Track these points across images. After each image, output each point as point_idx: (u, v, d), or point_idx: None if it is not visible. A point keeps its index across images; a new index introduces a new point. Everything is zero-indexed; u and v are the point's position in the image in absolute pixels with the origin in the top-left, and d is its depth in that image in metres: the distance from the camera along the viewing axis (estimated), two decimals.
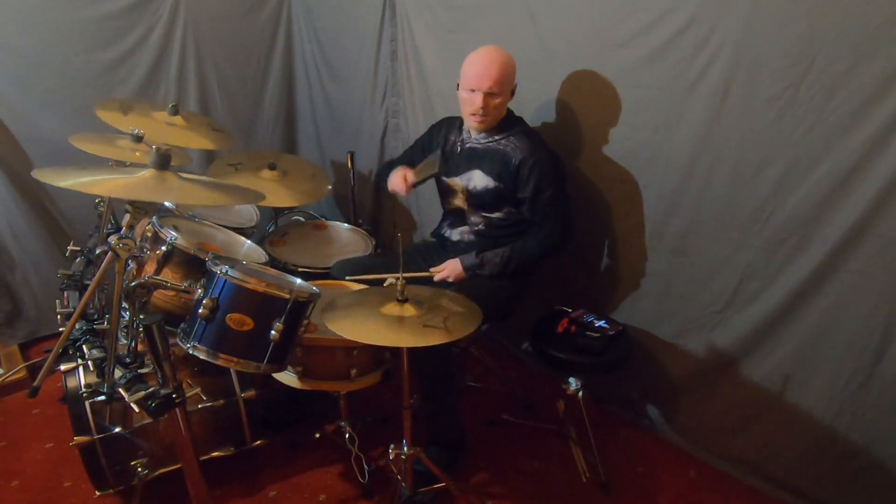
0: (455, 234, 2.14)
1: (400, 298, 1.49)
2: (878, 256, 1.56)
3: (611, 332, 1.97)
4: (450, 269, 1.97)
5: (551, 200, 1.91)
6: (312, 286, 1.60)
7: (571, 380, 1.97)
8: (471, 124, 1.96)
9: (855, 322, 1.64)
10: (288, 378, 1.73)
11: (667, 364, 2.12)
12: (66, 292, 1.89)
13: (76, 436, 1.64)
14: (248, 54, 3.03)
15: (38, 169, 1.28)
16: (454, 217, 2.15)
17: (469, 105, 1.88)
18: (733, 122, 1.71)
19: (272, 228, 2.71)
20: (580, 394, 1.97)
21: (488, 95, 1.84)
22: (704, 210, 1.85)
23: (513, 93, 1.93)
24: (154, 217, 1.64)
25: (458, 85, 1.92)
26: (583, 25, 1.95)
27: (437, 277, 1.97)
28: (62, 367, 1.68)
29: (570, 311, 2.09)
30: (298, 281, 1.64)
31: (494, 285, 1.97)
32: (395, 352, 1.69)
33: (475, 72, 1.84)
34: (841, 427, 1.74)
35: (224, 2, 2.85)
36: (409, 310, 1.48)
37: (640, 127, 1.92)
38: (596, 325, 2.00)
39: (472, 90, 1.85)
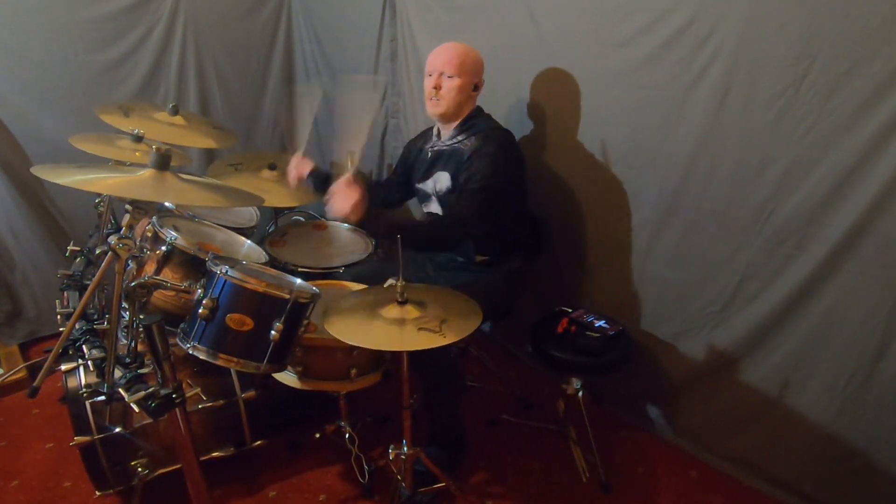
0: None
1: (400, 300, 1.49)
2: (877, 257, 1.55)
3: (611, 332, 1.97)
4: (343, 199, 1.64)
5: (475, 193, 1.79)
6: (312, 286, 1.60)
7: (572, 380, 1.97)
8: (429, 110, 1.96)
9: (855, 322, 1.64)
10: (288, 378, 1.73)
11: (667, 364, 2.12)
12: (66, 292, 1.89)
13: (76, 436, 1.64)
14: (248, 54, 3.03)
15: (37, 166, 1.28)
16: None
17: (426, 89, 1.92)
18: (733, 122, 1.71)
19: (272, 228, 2.71)
20: (580, 394, 1.97)
21: (442, 76, 1.88)
22: (704, 210, 1.85)
23: (477, 88, 1.93)
24: (154, 217, 1.64)
25: None
26: (583, 25, 1.95)
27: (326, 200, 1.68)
28: (62, 367, 1.68)
29: (570, 311, 2.09)
30: (298, 281, 1.64)
31: (491, 284, 1.97)
32: (395, 352, 1.69)
33: (432, 57, 1.92)
34: (841, 427, 1.74)
35: (224, 2, 2.85)
36: (409, 311, 1.48)
37: (640, 127, 1.92)
38: (596, 325, 2.00)
39: (429, 74, 1.91)
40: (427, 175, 2.04)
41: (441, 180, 1.99)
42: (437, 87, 1.89)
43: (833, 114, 1.52)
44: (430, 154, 2.05)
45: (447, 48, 1.91)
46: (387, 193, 2.23)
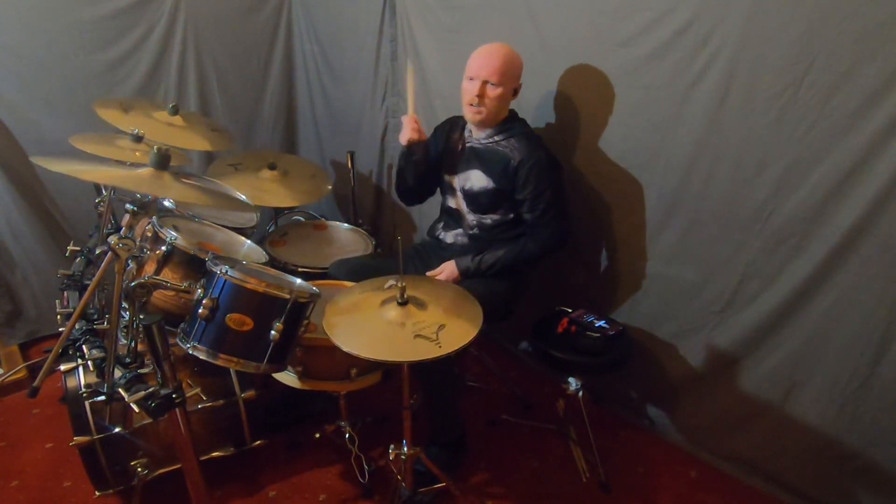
0: (449, 237, 2.13)
1: (400, 301, 1.48)
2: (877, 257, 1.55)
3: (611, 332, 1.97)
4: (447, 272, 1.97)
5: (551, 202, 1.90)
6: (312, 286, 1.60)
7: (571, 380, 1.97)
8: (468, 116, 1.93)
9: (855, 322, 1.64)
10: (288, 378, 1.73)
11: (667, 364, 2.12)
12: (66, 292, 1.89)
13: (76, 436, 1.64)
14: (248, 54, 3.03)
15: (36, 156, 1.26)
16: (450, 217, 2.15)
17: (467, 94, 1.86)
18: (733, 121, 1.71)
19: (272, 228, 2.71)
20: (580, 394, 1.97)
21: (486, 84, 1.82)
22: (704, 210, 1.85)
23: (516, 92, 1.91)
24: (154, 217, 1.64)
25: None
26: (583, 25, 1.95)
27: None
28: (62, 367, 1.68)
29: (570, 311, 2.08)
30: (298, 281, 1.64)
31: (493, 286, 1.96)
32: None
33: (477, 62, 1.84)
34: (841, 427, 1.74)
35: (224, 2, 2.85)
36: (409, 313, 1.47)
37: (640, 127, 1.92)
38: (596, 325, 2.00)
39: (471, 78, 1.85)
40: (458, 170, 2.03)
41: (473, 179, 1.98)
42: (481, 96, 1.83)
43: (833, 114, 1.52)
44: (460, 147, 2.03)
45: (493, 54, 1.83)
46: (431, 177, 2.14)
